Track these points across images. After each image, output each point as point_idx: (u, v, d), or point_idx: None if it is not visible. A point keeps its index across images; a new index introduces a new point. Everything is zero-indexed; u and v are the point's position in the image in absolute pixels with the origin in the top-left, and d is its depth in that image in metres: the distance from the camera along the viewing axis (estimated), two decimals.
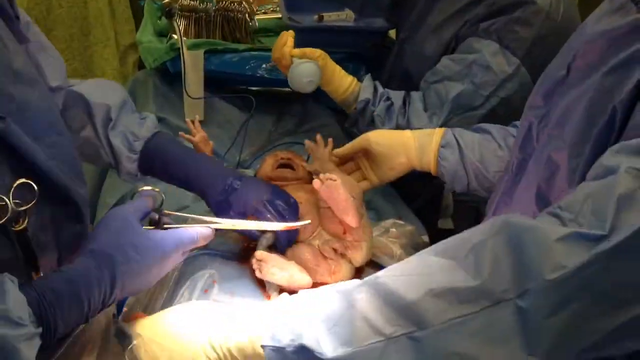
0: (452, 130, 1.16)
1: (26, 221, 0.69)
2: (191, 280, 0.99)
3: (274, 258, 0.97)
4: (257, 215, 0.99)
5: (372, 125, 1.36)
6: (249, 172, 1.34)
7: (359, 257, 1.04)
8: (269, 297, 0.98)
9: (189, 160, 1.04)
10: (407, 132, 1.18)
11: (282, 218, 0.99)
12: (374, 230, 1.14)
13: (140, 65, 2.25)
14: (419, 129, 1.23)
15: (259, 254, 0.97)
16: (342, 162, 1.22)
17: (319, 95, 1.50)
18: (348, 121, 1.42)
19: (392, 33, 1.74)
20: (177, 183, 1.05)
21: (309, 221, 1.00)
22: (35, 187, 0.69)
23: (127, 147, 1.04)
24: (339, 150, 1.20)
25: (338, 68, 1.38)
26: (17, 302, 0.63)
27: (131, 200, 0.89)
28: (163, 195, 0.90)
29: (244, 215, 0.99)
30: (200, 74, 1.57)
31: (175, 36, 1.62)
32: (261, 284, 1.00)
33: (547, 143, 0.79)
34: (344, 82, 1.38)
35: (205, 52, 1.58)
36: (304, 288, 0.97)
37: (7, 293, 0.63)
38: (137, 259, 0.75)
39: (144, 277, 0.77)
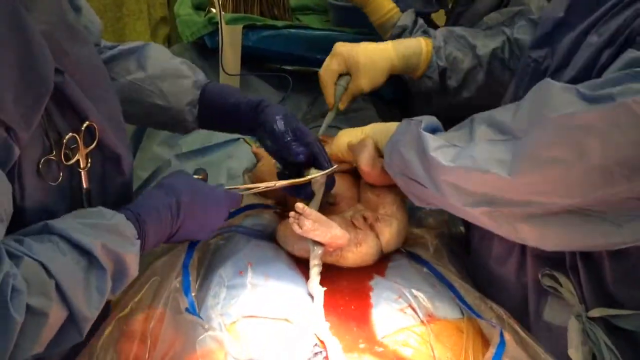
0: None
1: (89, 163, 0.77)
2: (226, 262, 0.97)
3: (313, 213, 0.95)
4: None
5: None
6: None
7: (387, 232, 1.02)
8: (305, 277, 0.96)
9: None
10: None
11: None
12: (411, 222, 1.12)
13: (170, 39, 2.25)
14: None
15: (300, 205, 0.94)
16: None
17: None
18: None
19: (435, 17, 1.69)
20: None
21: (337, 165, 1.02)
22: (97, 130, 0.77)
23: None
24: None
25: None
26: (122, 221, 0.75)
27: None
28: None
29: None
30: (238, 49, 1.53)
31: (214, 10, 1.59)
32: (296, 265, 0.98)
33: (551, 75, 0.89)
34: (384, 5, 1.37)
35: (243, 28, 1.55)
36: (342, 246, 0.97)
37: (115, 215, 0.75)
38: (196, 193, 0.86)
39: (200, 219, 0.87)
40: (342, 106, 1.21)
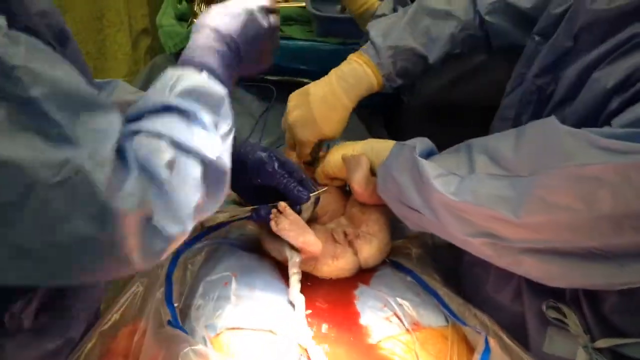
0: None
1: None
2: (210, 274, 0.97)
3: (293, 215, 0.96)
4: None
5: None
6: None
7: (366, 250, 1.02)
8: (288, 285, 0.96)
9: None
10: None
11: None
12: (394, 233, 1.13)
13: (152, 51, 2.24)
14: None
15: (283, 204, 0.96)
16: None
17: None
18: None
19: None
20: None
21: (326, 188, 1.03)
22: None
23: None
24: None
25: None
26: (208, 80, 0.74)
27: None
28: None
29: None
30: None
31: (196, 21, 1.59)
32: (282, 276, 0.98)
33: (555, 106, 0.90)
34: None
35: None
36: (315, 254, 0.97)
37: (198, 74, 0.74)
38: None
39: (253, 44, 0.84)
40: (321, 178, 1.14)
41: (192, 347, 0.76)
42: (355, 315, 0.95)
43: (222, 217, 1.09)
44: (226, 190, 0.72)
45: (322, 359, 0.84)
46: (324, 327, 0.92)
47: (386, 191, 0.96)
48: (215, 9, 0.83)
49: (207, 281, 0.95)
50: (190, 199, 0.65)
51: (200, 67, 0.75)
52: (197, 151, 0.66)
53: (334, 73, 1.13)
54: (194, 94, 0.70)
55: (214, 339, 0.85)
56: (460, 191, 0.82)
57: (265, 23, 0.85)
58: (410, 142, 0.94)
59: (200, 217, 0.69)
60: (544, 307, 0.92)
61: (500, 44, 1.13)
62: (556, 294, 0.91)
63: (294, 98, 1.13)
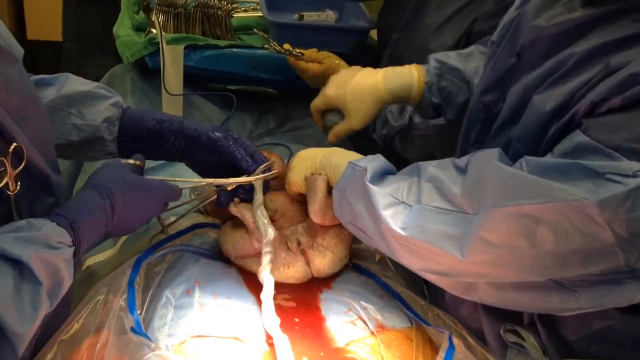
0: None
1: (18, 186, 0.75)
2: (173, 282, 0.96)
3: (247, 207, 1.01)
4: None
5: (386, 124, 1.35)
6: None
7: (318, 262, 1.01)
8: (255, 295, 0.95)
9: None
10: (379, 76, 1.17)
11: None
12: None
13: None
14: (435, 124, 1.25)
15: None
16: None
17: (302, 95, 1.48)
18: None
19: (373, 33, 1.73)
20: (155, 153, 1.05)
21: (277, 171, 1.05)
22: (24, 151, 0.75)
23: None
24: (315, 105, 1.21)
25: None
26: (54, 230, 0.73)
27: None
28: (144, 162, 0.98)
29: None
30: (180, 69, 1.53)
31: (154, 30, 1.58)
32: (246, 283, 0.98)
33: (501, 126, 0.91)
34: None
35: (185, 48, 1.54)
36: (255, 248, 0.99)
37: (45, 225, 0.73)
38: (129, 192, 0.86)
39: (134, 213, 0.88)
40: (331, 140, 1.20)
41: (155, 352, 0.75)
42: (321, 320, 0.95)
43: (185, 224, 1.08)
44: None
45: (287, 348, 0.84)
46: (289, 332, 0.92)
47: (342, 214, 0.94)
48: (117, 174, 0.88)
49: (170, 290, 0.94)
50: None
51: (74, 244, 0.75)
52: (8, 330, 0.63)
53: (385, 68, 1.19)
54: (44, 265, 0.69)
55: (177, 347, 0.83)
56: (409, 226, 0.81)
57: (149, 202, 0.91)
58: (362, 162, 0.90)
59: None
60: (502, 332, 0.92)
61: None
62: (513, 318, 0.92)
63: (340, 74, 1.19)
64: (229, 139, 1.02)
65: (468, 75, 1.17)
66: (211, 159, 1.03)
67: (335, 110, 1.19)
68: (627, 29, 0.75)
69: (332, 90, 1.18)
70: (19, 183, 0.75)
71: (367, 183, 0.86)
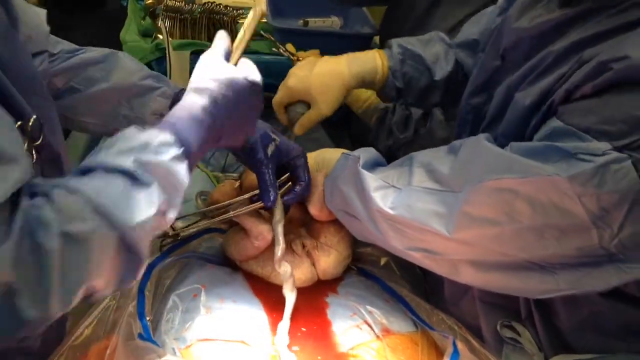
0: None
1: (34, 158, 0.72)
2: (180, 286, 0.97)
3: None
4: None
5: (390, 135, 1.36)
6: (234, 177, 1.32)
7: (323, 261, 1.02)
8: (261, 299, 0.96)
9: None
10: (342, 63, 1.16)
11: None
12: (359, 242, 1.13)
13: None
14: (441, 137, 1.28)
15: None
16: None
17: None
18: (372, 135, 1.42)
19: (377, 39, 1.74)
20: None
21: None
22: (42, 124, 0.72)
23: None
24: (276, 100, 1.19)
25: None
26: (150, 134, 0.68)
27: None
28: None
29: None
30: (186, 75, 1.54)
31: (160, 36, 1.59)
32: (252, 287, 0.98)
33: (488, 124, 0.94)
34: (360, 95, 1.39)
35: (191, 54, 1.55)
36: (261, 248, 0.99)
37: (144, 131, 0.68)
38: (226, 88, 0.78)
39: (237, 115, 0.81)
40: (298, 131, 1.18)
41: (161, 358, 0.75)
42: (327, 324, 0.96)
43: (196, 228, 1.08)
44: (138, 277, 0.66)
45: None
46: (296, 336, 0.93)
47: (333, 202, 0.97)
48: (206, 73, 0.80)
49: (176, 294, 0.95)
50: (78, 279, 0.58)
51: (180, 142, 0.69)
52: (121, 225, 0.60)
53: (346, 54, 1.18)
54: (151, 167, 0.65)
55: (184, 350, 0.84)
56: (397, 205, 0.84)
57: (252, 96, 0.83)
58: (355, 152, 0.96)
59: (93, 300, 0.62)
60: (498, 327, 0.94)
61: None
62: (511, 313, 0.93)
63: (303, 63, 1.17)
64: (264, 160, 0.96)
65: (428, 61, 1.18)
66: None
67: (298, 103, 1.17)
68: (602, 25, 0.78)
69: (294, 81, 1.15)
70: (34, 155, 0.72)
71: (359, 168, 0.90)
